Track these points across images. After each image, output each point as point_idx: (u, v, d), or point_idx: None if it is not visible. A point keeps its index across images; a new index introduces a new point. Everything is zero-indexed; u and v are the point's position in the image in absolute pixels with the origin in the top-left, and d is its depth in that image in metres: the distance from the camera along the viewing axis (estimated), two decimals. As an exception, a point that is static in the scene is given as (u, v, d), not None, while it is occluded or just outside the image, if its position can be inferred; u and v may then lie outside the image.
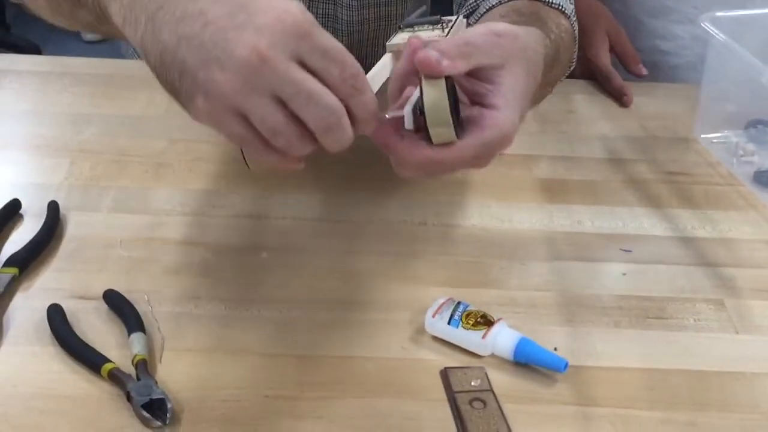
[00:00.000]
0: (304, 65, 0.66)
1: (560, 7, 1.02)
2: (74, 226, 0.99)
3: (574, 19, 1.05)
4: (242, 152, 0.76)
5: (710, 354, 0.89)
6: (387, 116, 0.74)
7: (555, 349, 0.86)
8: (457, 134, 0.73)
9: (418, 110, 0.73)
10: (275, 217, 1.02)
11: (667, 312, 0.93)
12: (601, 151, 1.18)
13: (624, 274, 0.99)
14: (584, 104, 1.27)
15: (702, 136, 1.20)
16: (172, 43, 0.66)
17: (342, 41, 0.70)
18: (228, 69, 0.65)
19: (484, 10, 1.04)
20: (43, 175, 1.07)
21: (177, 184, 1.06)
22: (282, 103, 0.66)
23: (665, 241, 1.03)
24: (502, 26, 0.78)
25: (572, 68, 1.07)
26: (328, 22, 1.18)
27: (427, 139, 0.74)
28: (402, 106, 0.75)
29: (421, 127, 0.74)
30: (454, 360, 0.85)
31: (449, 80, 0.73)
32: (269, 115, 0.66)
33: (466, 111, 0.77)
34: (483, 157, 0.76)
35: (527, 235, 1.03)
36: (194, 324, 0.88)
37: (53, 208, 0.99)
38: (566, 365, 0.83)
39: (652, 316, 0.92)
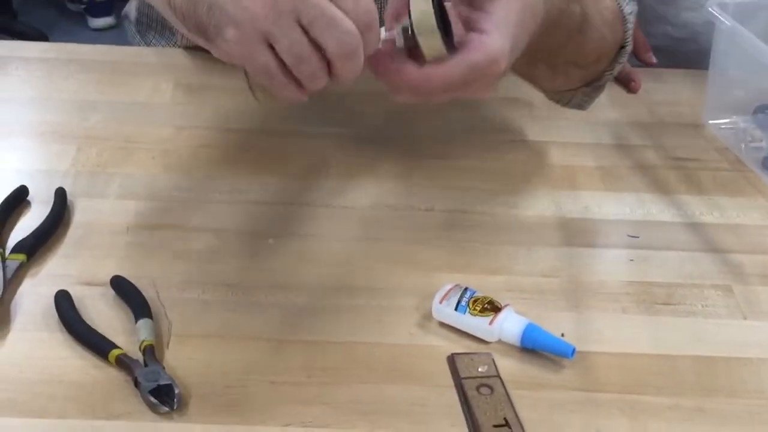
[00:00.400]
0: None
1: None
2: (81, 212, 0.99)
3: (628, 2, 1.05)
4: (250, 86, 0.78)
5: (718, 340, 0.88)
6: (381, 37, 0.77)
7: (562, 335, 0.86)
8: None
9: (409, 29, 0.77)
10: (281, 203, 1.02)
11: (674, 298, 0.93)
12: (608, 137, 1.18)
13: (631, 260, 0.98)
14: (592, 90, 1.27)
15: (710, 121, 1.20)
16: None
17: None
18: None
19: None
20: (49, 161, 1.07)
21: (183, 170, 1.06)
22: (305, 33, 0.68)
23: (673, 227, 1.03)
24: None
25: (628, 49, 1.07)
26: None
27: (419, 57, 0.78)
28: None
29: (411, 47, 0.78)
30: (461, 346, 0.85)
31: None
32: (296, 41, 0.68)
33: (460, 38, 0.80)
34: (472, 80, 0.79)
35: (534, 221, 1.02)
36: (201, 310, 0.88)
37: (60, 194, 0.99)
38: (573, 351, 0.83)
39: (659, 302, 0.92)
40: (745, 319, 0.91)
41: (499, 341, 0.85)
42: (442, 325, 0.87)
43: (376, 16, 0.72)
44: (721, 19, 1.11)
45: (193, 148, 1.10)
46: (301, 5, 0.68)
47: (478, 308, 0.86)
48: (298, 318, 0.88)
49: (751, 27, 1.09)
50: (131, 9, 1.38)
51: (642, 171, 1.11)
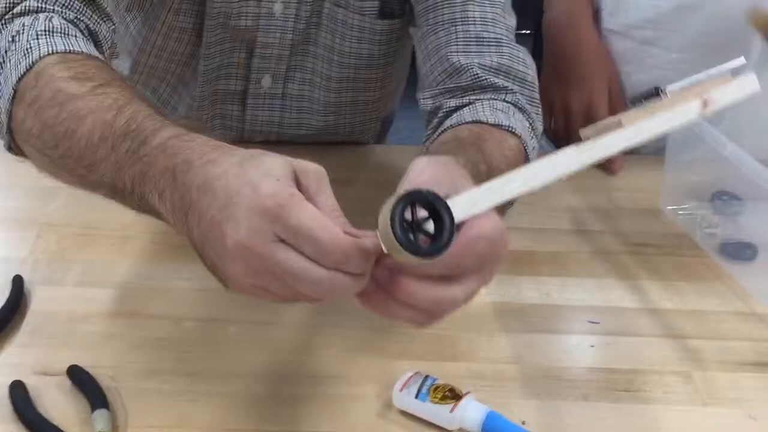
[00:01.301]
0: (286, 243, 0.68)
1: (509, 129, 0.99)
2: (39, 300, 0.98)
3: (531, 135, 1.02)
4: None
5: (678, 426, 0.88)
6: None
7: (523, 422, 0.85)
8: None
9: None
10: (242, 291, 1.02)
11: (635, 384, 0.93)
12: (567, 222, 1.19)
13: (592, 346, 0.99)
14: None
15: (668, 207, 1.21)
16: (198, 243, 0.73)
17: None
18: (230, 260, 0.70)
19: (439, 133, 1.02)
20: (8, 248, 1.06)
21: (143, 257, 1.06)
22: None
23: (633, 313, 1.03)
24: None
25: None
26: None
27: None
28: None
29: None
30: (421, 435, 0.85)
31: (412, 197, 0.67)
32: (279, 288, 0.70)
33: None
34: (485, 260, 0.74)
35: (495, 307, 1.02)
36: (159, 399, 0.87)
37: (17, 282, 0.98)
38: (534, 439, 0.83)
39: (620, 388, 0.92)
40: (704, 405, 0.91)
41: (460, 429, 0.85)
42: (403, 413, 0.86)
43: (340, 248, 0.67)
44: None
45: (154, 234, 1.09)
46: (266, 265, 0.68)
47: (439, 396, 0.85)
48: (259, 407, 0.87)
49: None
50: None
51: (601, 256, 1.12)
